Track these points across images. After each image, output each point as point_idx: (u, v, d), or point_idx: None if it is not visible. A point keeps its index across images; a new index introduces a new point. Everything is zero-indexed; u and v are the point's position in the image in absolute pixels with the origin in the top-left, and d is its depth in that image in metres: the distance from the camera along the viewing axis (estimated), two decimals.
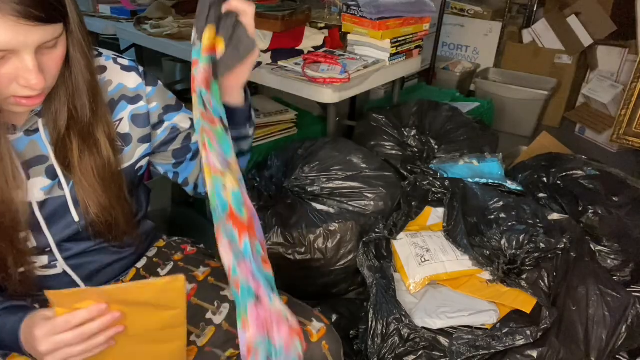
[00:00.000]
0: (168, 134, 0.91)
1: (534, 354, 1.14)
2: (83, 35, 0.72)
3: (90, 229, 0.83)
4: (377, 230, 1.41)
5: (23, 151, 0.76)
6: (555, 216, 1.41)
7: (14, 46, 0.61)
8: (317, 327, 0.88)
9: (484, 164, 1.72)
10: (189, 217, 1.93)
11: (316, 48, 1.89)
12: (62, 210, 0.80)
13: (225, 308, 0.92)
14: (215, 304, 0.93)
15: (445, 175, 1.63)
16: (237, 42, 0.75)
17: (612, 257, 1.40)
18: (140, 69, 0.87)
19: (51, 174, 0.78)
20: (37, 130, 0.76)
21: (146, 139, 0.88)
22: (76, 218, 0.81)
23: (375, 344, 1.20)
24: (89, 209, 0.80)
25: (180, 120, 0.92)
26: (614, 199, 1.52)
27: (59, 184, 0.79)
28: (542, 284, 1.25)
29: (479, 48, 3.28)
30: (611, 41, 2.97)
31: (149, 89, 0.87)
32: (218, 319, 0.91)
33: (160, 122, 0.89)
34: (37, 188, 0.77)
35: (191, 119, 0.93)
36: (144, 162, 0.90)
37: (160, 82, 0.90)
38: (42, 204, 0.78)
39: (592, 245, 1.42)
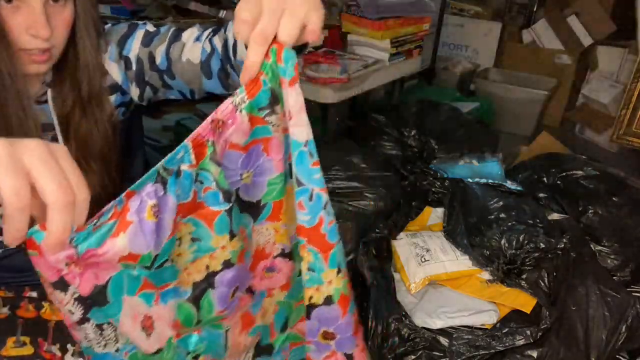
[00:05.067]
0: (137, 65, 0.84)
1: (534, 354, 1.14)
2: (91, 7, 0.76)
3: None
4: (377, 230, 1.41)
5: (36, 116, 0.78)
6: (555, 216, 1.41)
7: None
8: None
9: (484, 164, 1.72)
10: None
11: (316, 48, 1.89)
12: None
13: None
14: None
15: (445, 175, 1.63)
16: None
17: (612, 257, 1.40)
18: (101, 25, 0.85)
19: (54, 142, 0.81)
20: (46, 100, 0.79)
21: (112, 89, 0.85)
22: None
23: (375, 344, 1.20)
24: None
25: (137, 44, 0.84)
26: (614, 199, 1.52)
27: None
28: (542, 284, 1.25)
29: (479, 48, 3.27)
30: (611, 41, 2.97)
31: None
32: None
33: (126, 59, 0.84)
34: None
35: (145, 34, 0.84)
36: (119, 114, 0.87)
37: (108, 25, 0.86)
38: None
39: (592, 245, 1.42)
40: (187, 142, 0.53)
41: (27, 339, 0.81)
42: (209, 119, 0.54)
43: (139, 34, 0.83)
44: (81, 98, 0.79)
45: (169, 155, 0.52)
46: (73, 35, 0.76)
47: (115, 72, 0.84)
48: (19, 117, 0.72)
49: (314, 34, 0.54)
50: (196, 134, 0.53)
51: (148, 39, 0.83)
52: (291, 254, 0.72)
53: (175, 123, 2.16)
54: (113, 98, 0.85)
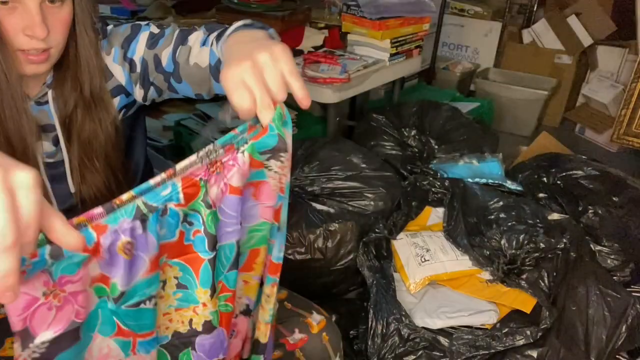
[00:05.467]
0: (142, 67, 0.84)
1: (534, 354, 1.14)
2: (89, 8, 0.75)
3: (87, 204, 0.83)
4: (377, 230, 1.41)
5: (34, 117, 0.78)
6: (555, 216, 1.41)
7: None
8: (317, 319, 0.91)
9: (484, 164, 1.72)
10: None
11: (316, 48, 1.89)
12: (60, 177, 0.82)
13: None
14: None
15: (445, 175, 1.63)
16: None
17: (612, 257, 1.40)
18: (103, 27, 0.85)
19: (56, 142, 0.81)
20: (47, 101, 0.79)
21: (116, 91, 0.85)
22: (72, 188, 0.82)
23: (375, 344, 1.20)
24: (83, 181, 0.82)
25: (141, 47, 0.84)
26: (614, 199, 1.52)
27: (61, 151, 0.82)
28: (542, 284, 1.25)
29: (479, 48, 3.27)
30: (611, 41, 2.97)
31: (102, 42, 0.83)
32: None
33: (131, 61, 0.84)
34: (43, 151, 0.81)
35: (148, 36, 0.84)
36: (121, 115, 0.87)
37: (110, 26, 0.85)
38: (45, 166, 0.81)
39: (592, 245, 1.42)
40: (176, 180, 0.50)
41: None
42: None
43: (143, 36, 0.83)
44: (83, 98, 0.79)
45: (151, 189, 0.48)
46: (72, 36, 0.75)
47: (119, 74, 0.84)
48: (14, 118, 0.72)
49: (305, 102, 0.58)
50: (188, 173, 0.50)
51: (153, 41, 0.83)
52: (250, 311, 0.68)
53: (175, 123, 2.16)
54: (117, 100, 0.85)
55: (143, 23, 0.86)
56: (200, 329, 0.57)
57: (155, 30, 0.84)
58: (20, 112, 0.72)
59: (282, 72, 0.57)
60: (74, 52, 0.77)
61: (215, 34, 0.79)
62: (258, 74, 0.55)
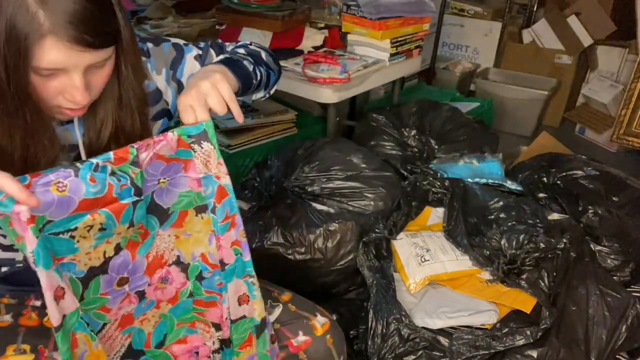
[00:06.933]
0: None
1: (534, 354, 1.14)
2: (135, 53, 0.74)
3: None
4: (377, 230, 1.41)
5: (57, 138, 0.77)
6: (555, 216, 1.41)
7: (64, 66, 0.64)
8: (321, 322, 0.91)
9: (484, 164, 1.72)
10: None
11: (316, 48, 1.89)
12: None
13: None
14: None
15: (445, 175, 1.63)
16: None
17: (612, 257, 1.40)
18: (145, 47, 0.84)
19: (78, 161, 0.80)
20: (71, 121, 0.77)
21: (160, 114, 0.86)
22: None
23: (375, 344, 1.20)
24: None
25: (191, 67, 0.87)
26: (614, 199, 1.52)
27: None
28: (542, 284, 1.25)
29: (479, 48, 3.27)
30: (611, 41, 2.97)
31: (149, 63, 0.84)
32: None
33: (179, 82, 0.86)
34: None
35: (195, 57, 0.88)
36: None
37: (149, 44, 0.85)
38: None
39: (592, 245, 1.42)
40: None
41: (27, 347, 0.80)
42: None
43: (190, 58, 0.87)
44: (123, 134, 0.78)
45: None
46: (114, 78, 0.74)
47: (168, 94, 0.86)
48: (35, 138, 0.70)
49: (240, 120, 0.76)
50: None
51: (201, 61, 0.88)
52: (187, 270, 0.82)
53: (175, 123, 2.17)
54: (160, 123, 0.86)
55: (181, 42, 0.89)
56: (112, 253, 0.72)
57: (199, 50, 0.89)
58: (43, 133, 0.70)
59: (222, 95, 0.73)
60: (114, 92, 0.75)
61: (241, 48, 0.92)
62: (201, 99, 0.71)
